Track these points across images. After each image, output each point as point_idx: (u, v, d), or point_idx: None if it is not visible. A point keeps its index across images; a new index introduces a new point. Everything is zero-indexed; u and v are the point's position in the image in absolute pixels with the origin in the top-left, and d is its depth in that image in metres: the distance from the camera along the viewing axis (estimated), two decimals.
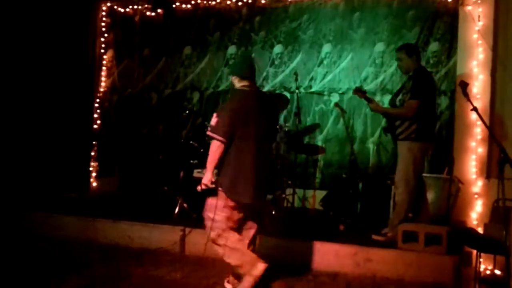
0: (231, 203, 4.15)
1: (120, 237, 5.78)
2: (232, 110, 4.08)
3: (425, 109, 5.20)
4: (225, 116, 4.04)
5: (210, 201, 4.20)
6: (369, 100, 5.59)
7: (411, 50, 5.44)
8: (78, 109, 8.22)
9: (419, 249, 4.84)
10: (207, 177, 4.08)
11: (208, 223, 4.20)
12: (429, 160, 6.53)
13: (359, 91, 5.67)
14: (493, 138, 4.54)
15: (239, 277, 4.31)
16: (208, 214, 4.19)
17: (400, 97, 5.42)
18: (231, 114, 4.05)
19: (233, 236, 4.21)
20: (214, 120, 4.05)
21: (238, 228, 4.33)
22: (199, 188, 4.12)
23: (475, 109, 3.96)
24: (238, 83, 4.29)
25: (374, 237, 5.31)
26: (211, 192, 4.14)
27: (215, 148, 4.03)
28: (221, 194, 4.11)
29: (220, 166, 4.11)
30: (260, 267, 4.14)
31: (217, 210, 4.12)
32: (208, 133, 4.07)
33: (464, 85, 4.03)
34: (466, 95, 4.02)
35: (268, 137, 4.39)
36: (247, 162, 4.11)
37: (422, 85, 5.21)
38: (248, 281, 4.14)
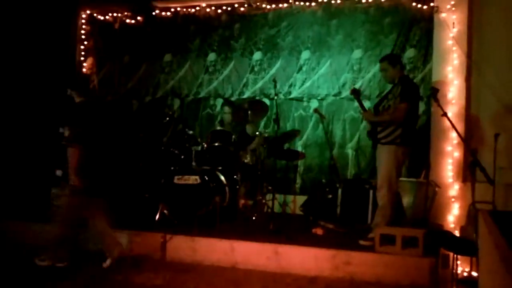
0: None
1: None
2: (79, 122, 4.97)
3: (410, 114, 5.31)
4: (75, 128, 4.91)
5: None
6: (364, 109, 5.65)
7: (394, 60, 5.59)
8: (58, 117, 8.18)
9: (397, 251, 4.92)
10: (76, 181, 4.95)
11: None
12: (407, 165, 6.64)
13: (355, 92, 5.71)
14: (464, 141, 4.66)
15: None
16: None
17: (384, 103, 5.52)
18: (79, 125, 4.94)
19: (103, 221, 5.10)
20: (67, 132, 4.84)
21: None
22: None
23: (445, 114, 4.07)
24: (77, 98, 5.14)
25: (361, 242, 5.34)
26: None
27: (74, 155, 4.86)
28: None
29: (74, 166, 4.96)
30: (119, 248, 5.07)
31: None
32: (64, 142, 4.83)
33: (435, 91, 4.13)
34: (437, 101, 4.12)
35: (103, 142, 5.33)
36: (88, 162, 5.04)
37: (410, 90, 5.34)
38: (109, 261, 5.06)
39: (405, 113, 5.24)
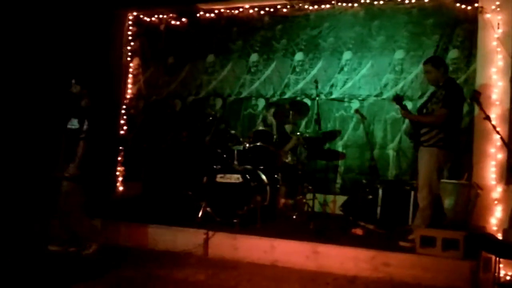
0: None
1: (146, 240, 5.97)
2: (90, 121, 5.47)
3: (453, 119, 5.30)
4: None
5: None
6: (404, 107, 5.64)
7: (438, 62, 5.56)
8: (105, 116, 8.43)
9: (437, 253, 4.92)
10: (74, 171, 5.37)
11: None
12: (449, 167, 6.59)
13: (398, 99, 5.68)
14: (505, 144, 4.62)
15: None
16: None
17: (428, 106, 5.52)
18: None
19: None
20: (85, 127, 5.37)
21: None
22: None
23: (487, 118, 4.05)
24: (87, 102, 5.63)
25: (402, 243, 5.35)
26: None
27: (82, 148, 5.34)
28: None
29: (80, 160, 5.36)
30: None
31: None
32: (82, 137, 5.33)
33: (477, 95, 4.12)
34: (479, 104, 4.11)
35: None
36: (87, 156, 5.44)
37: (454, 96, 5.31)
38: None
39: (444, 119, 5.23)
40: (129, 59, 8.97)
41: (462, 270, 4.81)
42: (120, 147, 8.81)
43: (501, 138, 4.37)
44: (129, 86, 9.00)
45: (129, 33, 8.93)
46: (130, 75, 9.00)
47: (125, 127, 8.88)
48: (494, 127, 4.04)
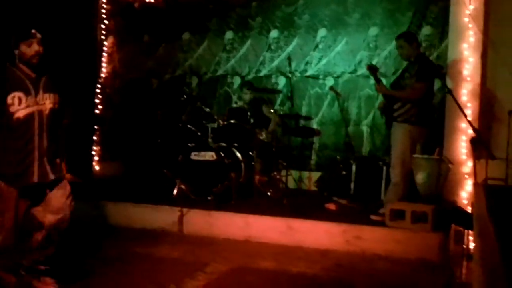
0: None
1: (122, 218, 5.99)
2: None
3: (426, 94, 5.35)
4: None
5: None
6: (378, 81, 5.64)
7: (410, 37, 5.60)
8: (80, 95, 8.35)
9: (406, 226, 5.02)
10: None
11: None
12: (422, 142, 6.68)
13: (372, 68, 5.68)
14: (466, 119, 4.72)
15: None
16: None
17: (401, 82, 5.56)
18: None
19: None
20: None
21: None
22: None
23: (449, 92, 4.12)
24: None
25: (372, 217, 5.44)
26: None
27: None
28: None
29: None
30: None
31: None
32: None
33: (440, 69, 4.17)
34: (442, 79, 4.16)
35: None
36: None
37: (428, 70, 5.36)
38: None
39: (422, 93, 5.28)
40: (103, 37, 8.86)
41: (431, 243, 4.92)
42: (96, 127, 8.76)
43: (460, 108, 4.43)
44: (104, 65, 8.90)
45: (103, 11, 8.81)
46: (104, 54, 8.90)
47: (100, 106, 8.81)
48: (456, 101, 4.12)
